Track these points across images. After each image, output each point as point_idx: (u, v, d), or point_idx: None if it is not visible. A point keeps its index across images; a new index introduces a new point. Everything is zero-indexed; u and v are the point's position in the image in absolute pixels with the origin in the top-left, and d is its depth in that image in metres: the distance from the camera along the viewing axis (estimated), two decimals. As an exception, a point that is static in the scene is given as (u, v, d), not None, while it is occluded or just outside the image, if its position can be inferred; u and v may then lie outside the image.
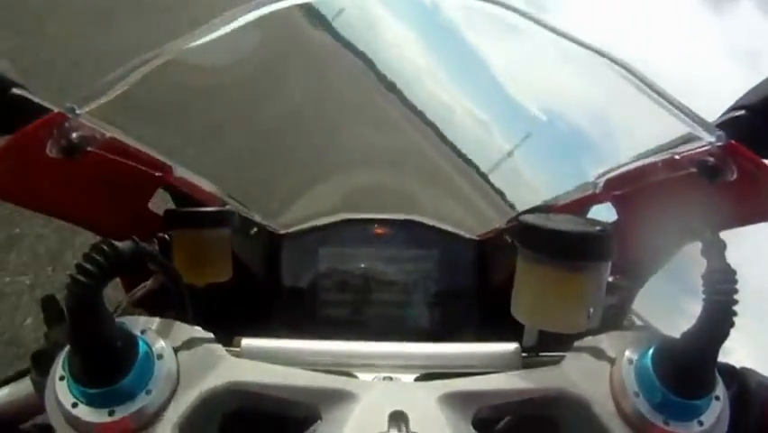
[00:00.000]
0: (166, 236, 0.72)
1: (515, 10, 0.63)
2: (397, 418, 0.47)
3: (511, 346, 0.61)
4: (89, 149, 0.58)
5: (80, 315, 0.43)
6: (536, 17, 0.62)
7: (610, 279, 0.58)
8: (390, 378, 0.56)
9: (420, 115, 8.16)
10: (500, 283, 0.91)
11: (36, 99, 0.60)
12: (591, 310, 0.56)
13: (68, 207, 0.66)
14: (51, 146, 0.55)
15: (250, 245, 0.92)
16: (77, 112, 0.55)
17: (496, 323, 0.66)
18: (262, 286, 0.97)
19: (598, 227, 0.55)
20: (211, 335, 0.54)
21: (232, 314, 0.74)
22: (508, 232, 0.91)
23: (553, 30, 0.61)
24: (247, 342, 0.60)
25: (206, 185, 0.81)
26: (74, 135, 0.56)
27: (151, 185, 0.71)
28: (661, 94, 0.57)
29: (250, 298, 0.91)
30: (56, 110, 0.56)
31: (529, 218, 0.57)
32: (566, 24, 0.61)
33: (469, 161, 7.84)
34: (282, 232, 1.01)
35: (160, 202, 0.75)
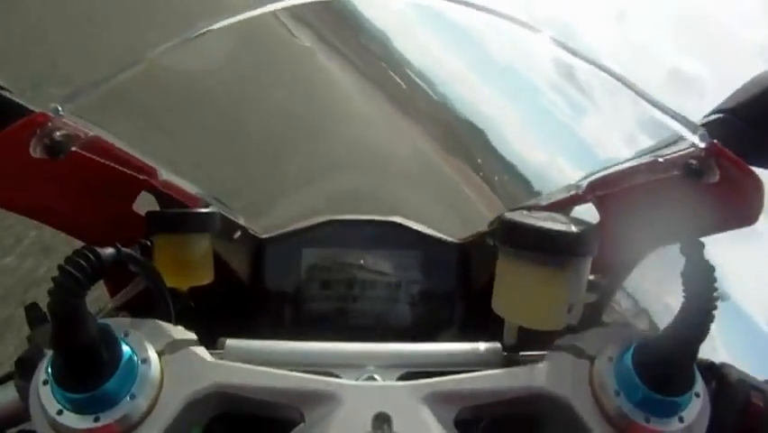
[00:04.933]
0: (148, 242, 0.71)
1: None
2: (381, 419, 0.48)
3: (492, 345, 0.62)
4: (73, 148, 0.58)
5: (63, 319, 0.43)
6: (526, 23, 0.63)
7: (590, 277, 0.59)
8: (374, 378, 0.57)
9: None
10: (482, 286, 0.92)
11: (19, 101, 0.60)
12: (572, 307, 0.56)
13: (52, 210, 0.66)
14: (35, 146, 0.55)
15: (233, 248, 0.92)
16: (61, 112, 0.55)
17: (477, 325, 0.66)
18: (247, 288, 0.97)
19: (578, 224, 0.56)
20: (194, 336, 0.54)
21: (216, 317, 0.74)
22: (490, 234, 0.91)
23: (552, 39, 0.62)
24: (231, 343, 0.60)
25: (191, 187, 0.80)
26: (57, 135, 0.56)
27: (135, 187, 0.71)
28: (645, 96, 0.58)
29: (234, 300, 0.91)
30: (39, 111, 0.55)
31: (510, 216, 0.57)
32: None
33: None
34: (266, 235, 1.01)
35: (146, 204, 0.74)
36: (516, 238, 0.57)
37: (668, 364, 0.48)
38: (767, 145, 0.58)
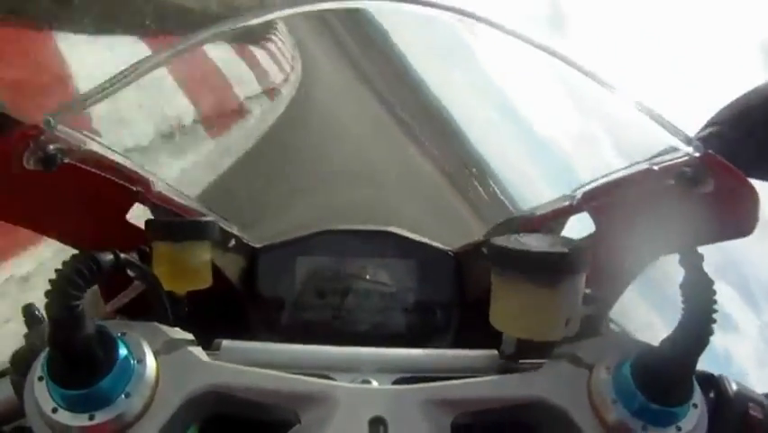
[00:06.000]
0: (147, 248, 0.71)
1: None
2: (377, 423, 0.48)
3: (490, 353, 0.62)
4: (66, 161, 0.58)
5: (60, 322, 0.43)
6: (516, 32, 0.63)
7: (587, 290, 0.59)
8: (369, 381, 0.56)
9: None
10: (477, 294, 0.92)
11: (12, 114, 0.60)
12: (569, 320, 0.56)
13: (47, 221, 0.66)
14: (29, 158, 0.55)
15: (229, 258, 0.91)
16: (54, 124, 0.55)
17: (473, 334, 0.66)
18: (242, 297, 0.96)
19: (567, 243, 0.56)
20: (191, 336, 0.54)
21: (213, 325, 0.73)
22: (484, 245, 0.91)
23: (531, 43, 0.62)
24: (227, 344, 0.61)
25: (185, 198, 0.80)
26: (51, 147, 0.56)
27: (129, 199, 0.71)
28: (641, 107, 0.58)
29: (230, 309, 0.91)
30: (33, 123, 0.55)
31: (499, 240, 0.57)
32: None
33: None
34: (260, 245, 1.01)
35: (140, 215, 0.74)
36: (504, 261, 0.57)
37: (667, 376, 0.48)
38: (761, 156, 0.59)
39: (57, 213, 0.66)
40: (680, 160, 0.55)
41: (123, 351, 0.47)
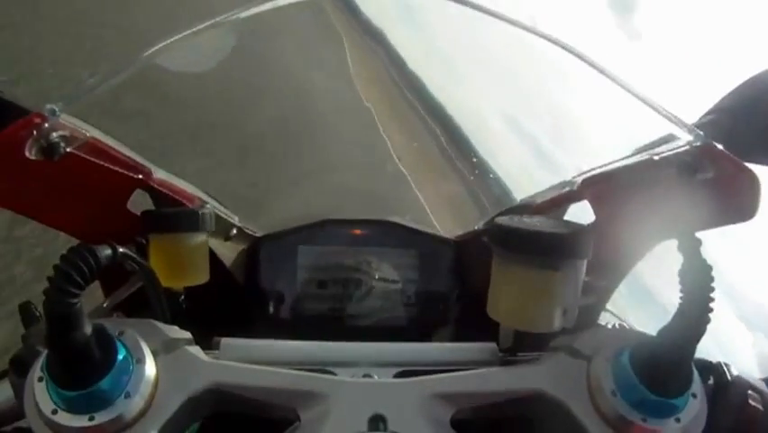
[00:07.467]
0: (143, 240, 0.71)
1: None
2: (377, 418, 0.48)
3: (489, 346, 0.62)
4: (68, 150, 0.58)
5: (59, 320, 0.43)
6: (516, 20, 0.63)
7: (586, 278, 0.59)
8: (370, 375, 0.57)
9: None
10: (478, 284, 0.92)
11: (15, 102, 0.60)
12: (566, 309, 0.56)
13: (47, 209, 0.66)
14: (31, 147, 0.55)
15: (229, 247, 0.91)
16: (57, 113, 0.55)
17: (473, 323, 0.66)
18: (242, 287, 0.96)
19: (571, 227, 0.56)
20: (189, 335, 0.54)
21: (212, 315, 0.73)
22: (485, 234, 0.91)
23: (543, 36, 0.62)
24: (226, 342, 0.60)
25: (186, 186, 0.80)
26: (53, 136, 0.56)
27: (130, 186, 0.70)
28: (640, 96, 0.58)
29: (230, 298, 0.91)
30: (36, 111, 0.55)
31: (503, 220, 0.57)
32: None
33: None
34: (261, 234, 1.01)
35: (142, 203, 0.74)
36: (508, 241, 0.57)
37: (666, 364, 0.48)
38: (760, 142, 0.59)
39: (58, 202, 0.66)
40: (681, 149, 0.56)
41: (121, 351, 0.47)
